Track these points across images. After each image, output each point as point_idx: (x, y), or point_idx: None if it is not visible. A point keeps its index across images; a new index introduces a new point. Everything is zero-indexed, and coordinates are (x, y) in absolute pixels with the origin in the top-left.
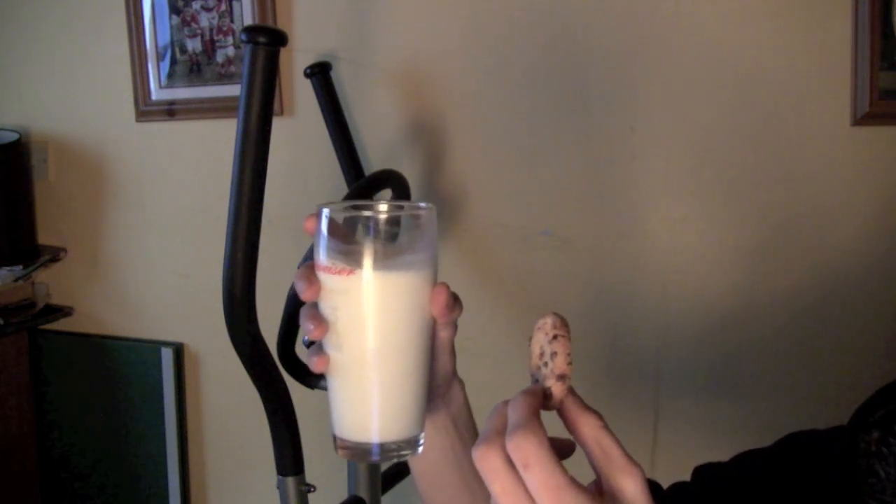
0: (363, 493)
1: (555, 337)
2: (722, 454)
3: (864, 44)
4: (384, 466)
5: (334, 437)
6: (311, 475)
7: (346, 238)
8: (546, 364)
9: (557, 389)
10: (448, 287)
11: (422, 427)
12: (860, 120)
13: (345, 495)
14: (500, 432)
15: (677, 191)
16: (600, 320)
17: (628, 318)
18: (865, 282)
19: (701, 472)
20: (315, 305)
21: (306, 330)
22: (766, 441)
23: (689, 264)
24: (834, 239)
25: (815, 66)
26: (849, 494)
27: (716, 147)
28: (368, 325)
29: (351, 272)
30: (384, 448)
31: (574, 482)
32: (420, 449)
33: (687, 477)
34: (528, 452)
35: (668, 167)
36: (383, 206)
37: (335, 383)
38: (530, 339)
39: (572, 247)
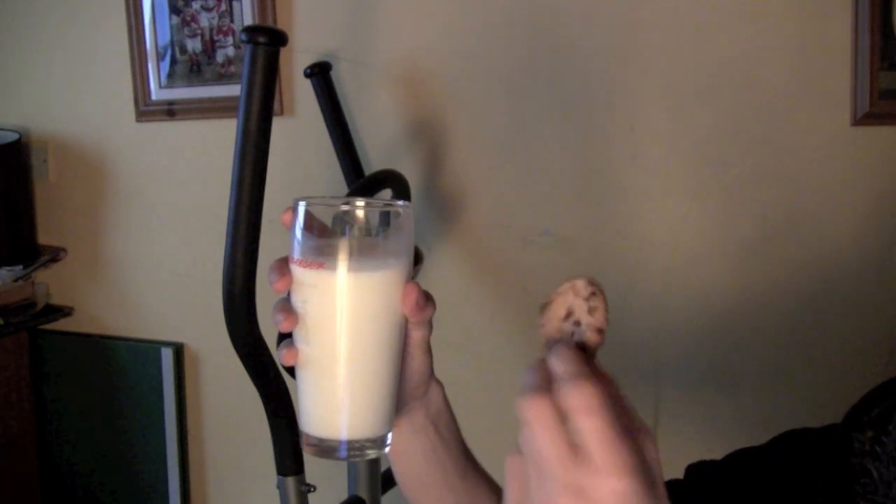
0: (363, 493)
1: (593, 293)
2: (722, 452)
3: (864, 44)
4: (384, 466)
5: (301, 433)
6: (311, 475)
7: (320, 232)
8: (578, 322)
9: (594, 341)
10: (419, 286)
11: (390, 426)
12: (860, 120)
13: (345, 495)
14: (546, 385)
15: (677, 190)
16: None
17: (628, 317)
18: (864, 281)
19: (694, 470)
20: (287, 299)
21: (275, 321)
22: (765, 439)
23: (688, 264)
24: (833, 238)
25: (815, 66)
26: (841, 494)
27: (716, 147)
28: (337, 320)
29: (321, 266)
30: (351, 446)
31: (628, 435)
32: (387, 448)
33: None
34: (594, 399)
35: (668, 167)
36: (360, 203)
37: (303, 378)
38: (545, 305)
39: (572, 247)
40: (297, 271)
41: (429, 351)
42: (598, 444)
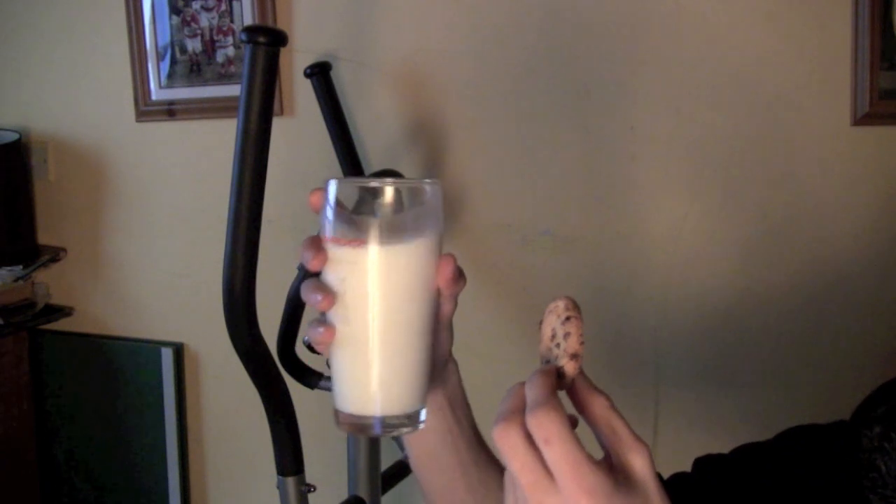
0: (363, 493)
1: (567, 318)
2: (721, 449)
3: (864, 44)
4: (384, 466)
5: (336, 412)
6: (311, 475)
7: (352, 211)
8: (558, 345)
9: (570, 368)
10: (455, 258)
11: (424, 402)
12: (860, 120)
13: (345, 495)
14: (519, 411)
15: (677, 190)
16: (600, 319)
17: (628, 316)
18: (864, 280)
19: (701, 463)
20: (318, 278)
21: (313, 301)
22: (764, 437)
23: (688, 263)
24: (833, 238)
25: (815, 66)
26: (850, 489)
27: (716, 147)
28: (377, 296)
29: (360, 243)
30: (386, 422)
31: (591, 458)
32: (421, 425)
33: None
34: (550, 428)
35: (668, 167)
36: (391, 181)
37: (340, 356)
38: (541, 322)
39: (572, 247)
40: (335, 249)
41: (452, 328)
42: (560, 471)
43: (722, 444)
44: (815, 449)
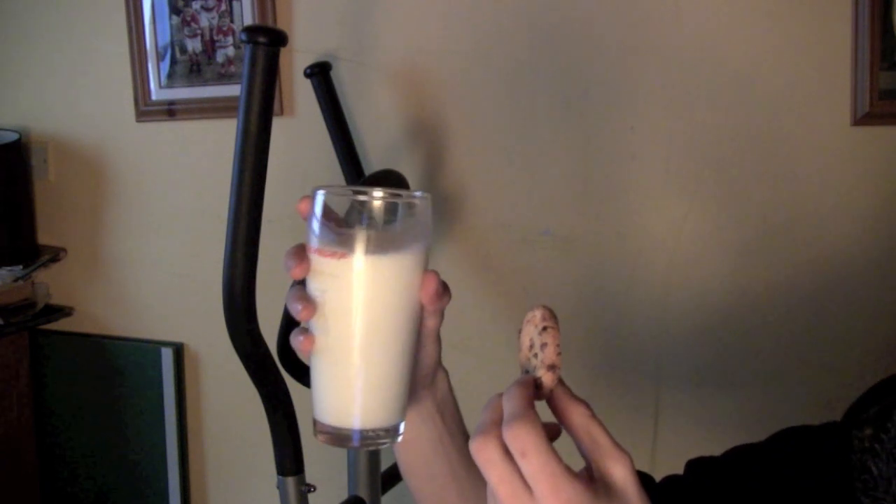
0: (363, 493)
1: (544, 328)
2: (721, 449)
3: (864, 44)
4: (384, 466)
5: (315, 422)
6: (311, 475)
7: (339, 221)
8: (536, 355)
9: (548, 379)
10: (438, 275)
11: (403, 416)
12: (860, 120)
13: (345, 495)
14: (496, 423)
15: (677, 190)
16: (600, 320)
17: (628, 317)
18: (864, 281)
19: (693, 465)
20: (302, 287)
21: (293, 311)
22: (764, 437)
23: (688, 264)
24: (833, 238)
25: (815, 66)
26: (841, 491)
27: (716, 147)
28: (357, 310)
29: (343, 256)
30: (364, 435)
31: (568, 469)
32: (399, 438)
33: None
34: (526, 441)
35: (668, 167)
36: (378, 193)
37: (319, 367)
38: (519, 331)
39: (572, 247)
40: (317, 260)
41: (439, 339)
42: (537, 483)
43: (722, 444)
44: (808, 450)
